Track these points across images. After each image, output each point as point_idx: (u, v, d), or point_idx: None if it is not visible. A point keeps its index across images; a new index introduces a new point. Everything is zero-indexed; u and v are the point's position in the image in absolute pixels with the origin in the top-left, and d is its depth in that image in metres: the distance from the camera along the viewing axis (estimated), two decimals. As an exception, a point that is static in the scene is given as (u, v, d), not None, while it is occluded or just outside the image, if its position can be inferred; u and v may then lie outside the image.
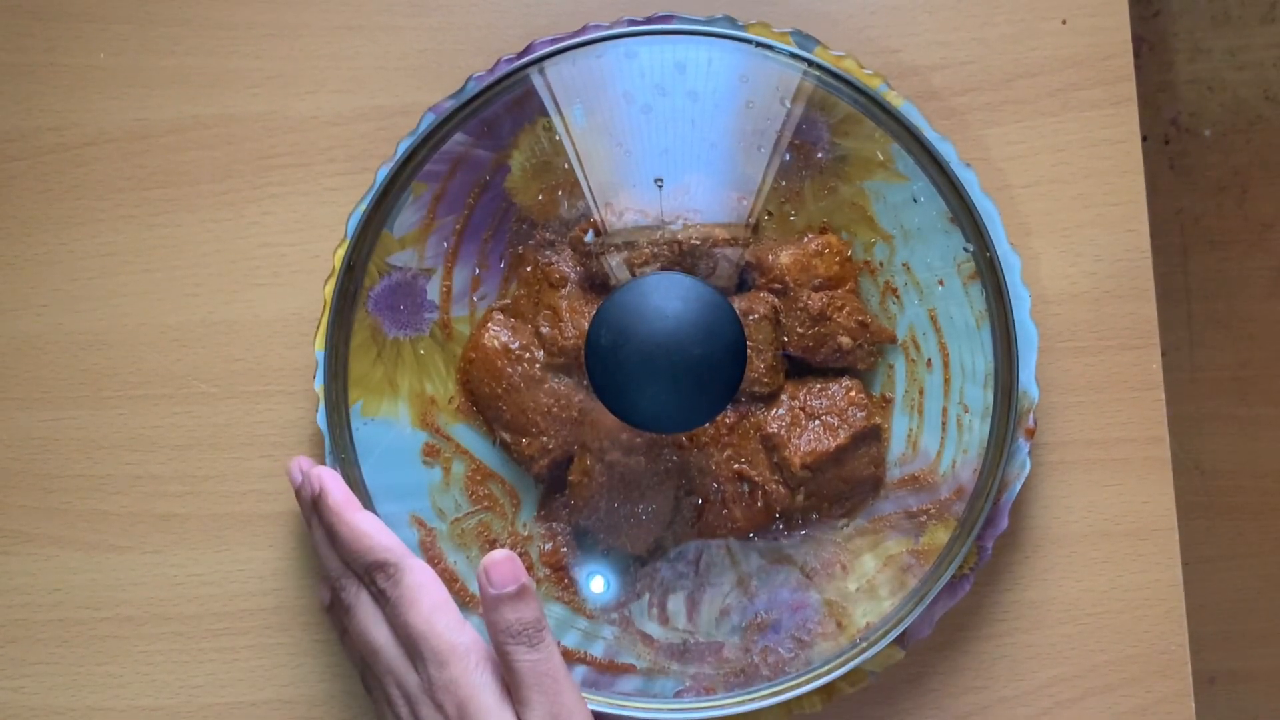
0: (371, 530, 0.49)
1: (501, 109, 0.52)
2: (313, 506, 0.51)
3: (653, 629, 0.52)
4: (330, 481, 0.50)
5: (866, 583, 0.52)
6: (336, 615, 0.51)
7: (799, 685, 0.51)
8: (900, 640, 0.52)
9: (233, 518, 0.55)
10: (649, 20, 0.54)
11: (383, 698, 0.49)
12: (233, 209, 0.56)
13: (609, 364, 0.47)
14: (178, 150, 0.56)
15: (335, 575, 0.50)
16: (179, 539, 0.55)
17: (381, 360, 0.53)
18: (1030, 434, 0.52)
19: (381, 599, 0.49)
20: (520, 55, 0.54)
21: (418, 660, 0.48)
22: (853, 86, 0.52)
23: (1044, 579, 0.55)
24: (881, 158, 0.53)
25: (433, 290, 0.53)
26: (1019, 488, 0.52)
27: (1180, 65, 0.90)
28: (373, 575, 0.49)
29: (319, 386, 0.52)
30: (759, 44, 0.52)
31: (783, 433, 0.51)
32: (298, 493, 0.52)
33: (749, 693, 0.52)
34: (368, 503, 0.52)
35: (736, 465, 0.51)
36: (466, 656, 0.47)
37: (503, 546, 0.53)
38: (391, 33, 0.57)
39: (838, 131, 0.53)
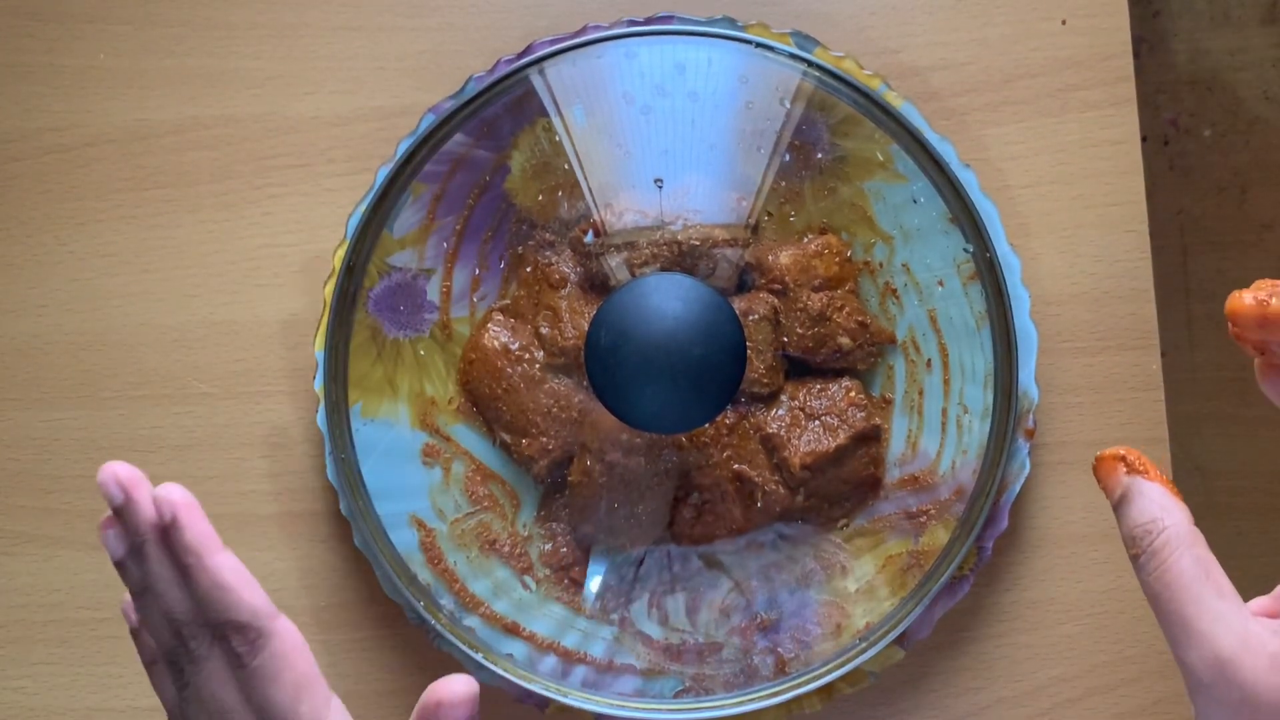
0: (235, 583, 0.40)
1: (501, 109, 0.52)
2: (161, 537, 0.41)
3: (652, 629, 0.52)
4: (185, 511, 0.40)
5: (866, 583, 0.52)
6: (165, 653, 0.42)
7: (799, 685, 0.51)
8: (900, 640, 0.52)
9: (232, 518, 0.55)
10: (649, 21, 0.54)
11: None
12: (233, 209, 0.56)
13: (609, 364, 0.47)
14: (178, 150, 0.56)
15: (183, 619, 0.41)
16: (179, 539, 0.55)
17: (381, 361, 0.53)
18: (1030, 434, 0.52)
19: (236, 664, 0.41)
20: (520, 56, 0.54)
21: None
22: (852, 87, 0.52)
23: (1044, 579, 0.55)
24: (881, 158, 0.53)
25: (433, 291, 0.53)
26: (1019, 488, 0.52)
27: (1180, 65, 0.90)
28: (228, 634, 0.40)
29: (319, 387, 0.52)
30: (759, 45, 0.52)
31: (782, 433, 0.51)
32: (120, 512, 0.41)
33: (749, 693, 0.52)
34: (368, 503, 0.52)
35: (736, 465, 0.51)
36: None
37: (503, 546, 0.53)
38: (391, 33, 0.57)
39: (837, 132, 0.53)
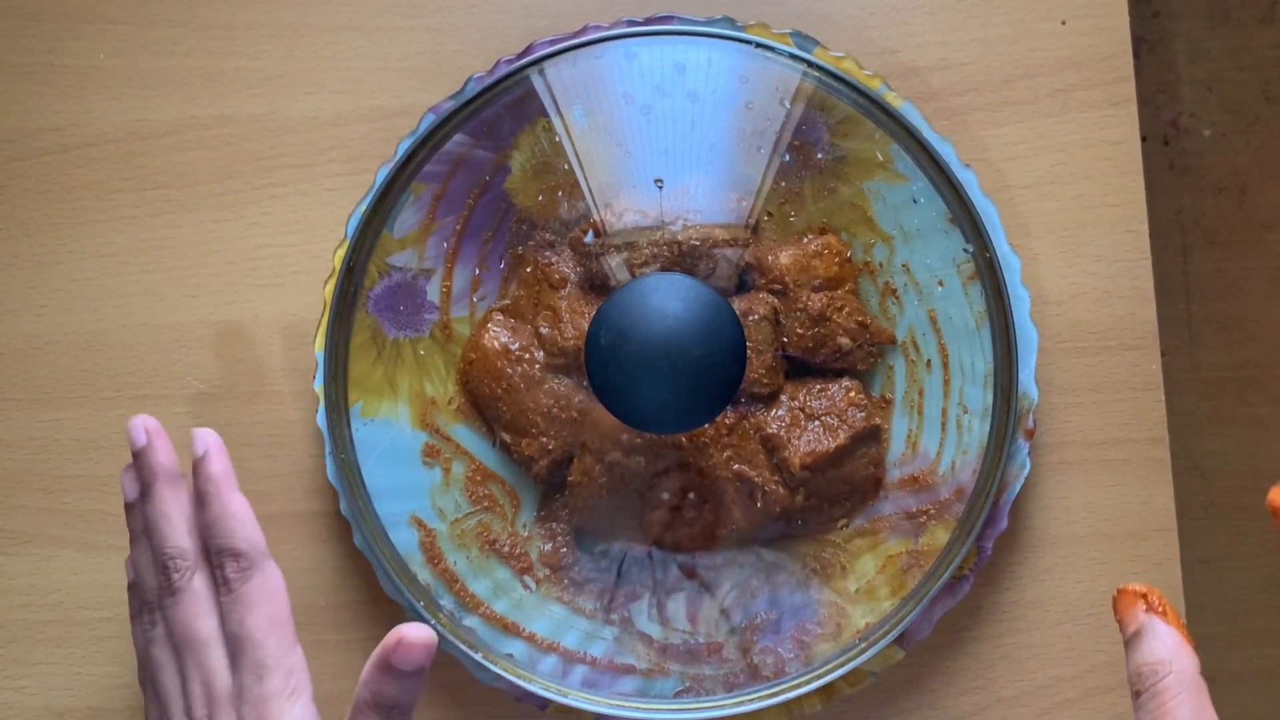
0: (242, 516, 0.47)
1: (501, 110, 0.52)
2: (194, 468, 0.48)
3: (653, 629, 0.53)
4: (217, 449, 0.48)
5: (866, 583, 0.52)
6: (143, 596, 0.48)
7: (799, 685, 0.51)
8: (900, 640, 0.52)
9: (233, 518, 0.55)
10: (649, 21, 0.54)
11: (177, 693, 0.47)
12: (232, 209, 0.56)
13: (609, 364, 0.47)
14: (178, 150, 0.56)
15: (172, 554, 0.47)
16: (179, 539, 0.55)
17: (381, 361, 0.53)
18: (1030, 434, 0.52)
19: (223, 588, 0.46)
20: (520, 56, 0.54)
21: (235, 664, 0.46)
22: (852, 87, 0.52)
23: (1044, 579, 0.55)
24: (881, 158, 0.53)
25: (433, 291, 0.53)
26: (1019, 488, 0.52)
27: (1180, 65, 0.90)
28: (223, 560, 0.46)
29: (319, 387, 0.52)
30: (759, 45, 0.52)
31: (782, 433, 0.51)
32: (140, 454, 0.48)
33: (749, 693, 0.52)
34: (368, 503, 0.52)
35: (736, 466, 0.51)
36: (287, 679, 0.46)
37: (503, 546, 0.53)
38: (391, 33, 0.57)
39: (837, 132, 0.53)
